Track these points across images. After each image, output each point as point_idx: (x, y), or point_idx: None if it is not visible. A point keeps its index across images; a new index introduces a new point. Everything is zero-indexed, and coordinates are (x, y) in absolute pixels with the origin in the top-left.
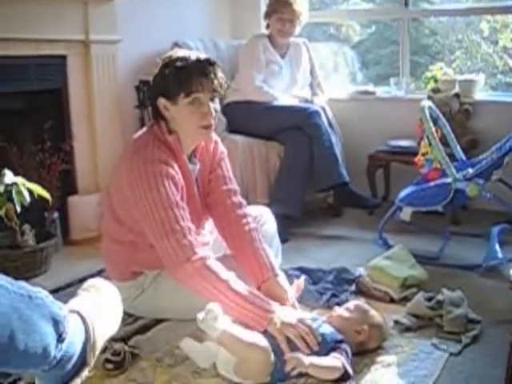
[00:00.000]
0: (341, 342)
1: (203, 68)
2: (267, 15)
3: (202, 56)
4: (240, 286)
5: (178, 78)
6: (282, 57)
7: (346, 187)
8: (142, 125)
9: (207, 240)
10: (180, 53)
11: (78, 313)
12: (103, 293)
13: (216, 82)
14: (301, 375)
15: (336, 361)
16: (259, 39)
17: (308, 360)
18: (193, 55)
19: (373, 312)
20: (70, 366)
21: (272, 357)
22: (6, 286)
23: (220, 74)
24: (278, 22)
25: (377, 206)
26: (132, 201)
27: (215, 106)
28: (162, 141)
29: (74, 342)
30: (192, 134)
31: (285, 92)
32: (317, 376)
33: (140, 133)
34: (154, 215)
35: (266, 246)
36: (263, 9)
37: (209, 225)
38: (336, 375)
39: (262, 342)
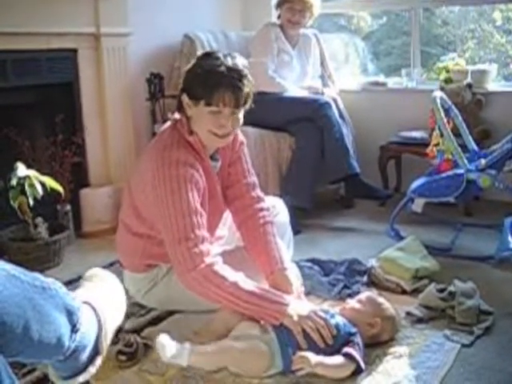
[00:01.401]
0: (354, 334)
1: (231, 82)
2: (278, 5)
3: (236, 66)
4: (250, 285)
5: (203, 83)
6: (293, 47)
7: (356, 179)
8: (154, 117)
9: (223, 234)
10: (219, 53)
11: (89, 303)
12: (108, 283)
13: (241, 97)
14: None
15: (342, 359)
16: (271, 27)
17: (315, 359)
18: (228, 61)
19: (385, 304)
20: (84, 356)
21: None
22: (20, 277)
23: (247, 90)
24: (287, 12)
25: (388, 197)
26: (153, 200)
27: (239, 117)
28: (186, 140)
29: (87, 332)
30: (204, 137)
31: (295, 83)
32: (325, 375)
33: (164, 128)
34: (171, 219)
35: (279, 240)
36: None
37: (226, 219)
38: (346, 373)
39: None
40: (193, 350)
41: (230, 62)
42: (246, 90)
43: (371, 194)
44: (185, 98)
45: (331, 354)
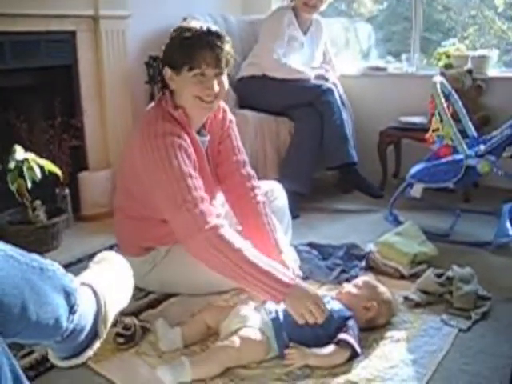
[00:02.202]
0: (348, 318)
1: (209, 41)
2: None
3: (213, 28)
4: (255, 257)
5: (182, 49)
6: (304, 33)
7: (353, 168)
8: (152, 100)
9: (219, 212)
10: (192, 23)
11: (90, 285)
12: (114, 265)
13: (223, 57)
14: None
15: (333, 347)
16: (285, 12)
17: (306, 352)
18: (203, 27)
19: (381, 288)
20: (82, 337)
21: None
22: (18, 258)
23: (228, 48)
24: None
25: (379, 197)
26: (144, 175)
27: (223, 81)
28: (171, 115)
29: (85, 313)
30: (191, 104)
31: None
32: (320, 366)
33: (149, 107)
34: (167, 187)
35: (274, 221)
36: None
37: (220, 198)
38: (341, 360)
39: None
40: (192, 363)
41: (205, 27)
42: (226, 48)
43: (364, 188)
44: (167, 72)
45: (327, 338)
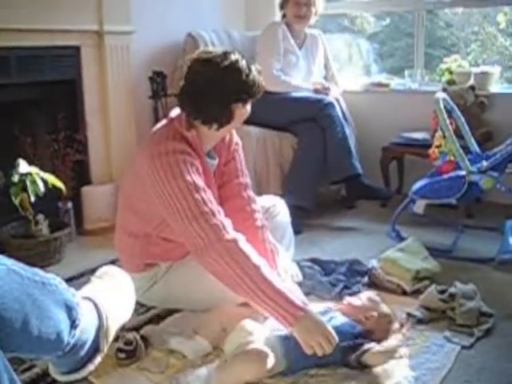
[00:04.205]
0: (357, 336)
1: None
2: (282, 4)
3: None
4: (271, 275)
5: (253, 85)
6: (299, 47)
7: (358, 180)
8: (156, 115)
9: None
10: (238, 56)
11: (92, 299)
12: (117, 280)
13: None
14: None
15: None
16: (278, 26)
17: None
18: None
19: (383, 303)
20: (83, 352)
21: (268, 362)
22: (20, 272)
23: None
24: (294, 7)
25: (390, 197)
26: (153, 192)
27: None
28: (182, 136)
29: (87, 328)
30: (224, 134)
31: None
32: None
33: (159, 126)
34: (181, 202)
35: (274, 245)
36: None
37: None
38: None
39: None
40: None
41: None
42: None
43: (373, 194)
44: (240, 107)
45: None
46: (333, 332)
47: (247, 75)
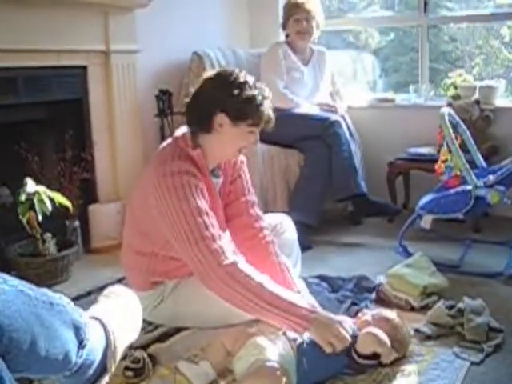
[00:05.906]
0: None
1: (269, 106)
2: (284, 24)
3: (267, 90)
4: (276, 287)
5: (250, 106)
6: (305, 64)
7: (364, 198)
8: (162, 133)
9: (234, 249)
10: (248, 77)
11: (99, 319)
12: (124, 299)
13: (272, 121)
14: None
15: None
16: (279, 46)
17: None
18: (262, 85)
19: (401, 327)
20: (90, 372)
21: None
22: (28, 293)
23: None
24: (295, 24)
25: (397, 212)
26: (157, 213)
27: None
28: (187, 155)
29: (94, 348)
30: (228, 154)
31: (307, 99)
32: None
33: (164, 145)
34: (183, 224)
35: (284, 258)
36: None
37: (228, 236)
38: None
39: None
40: None
41: (261, 85)
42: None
43: (380, 210)
44: (220, 117)
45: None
46: (345, 323)
47: (250, 98)
